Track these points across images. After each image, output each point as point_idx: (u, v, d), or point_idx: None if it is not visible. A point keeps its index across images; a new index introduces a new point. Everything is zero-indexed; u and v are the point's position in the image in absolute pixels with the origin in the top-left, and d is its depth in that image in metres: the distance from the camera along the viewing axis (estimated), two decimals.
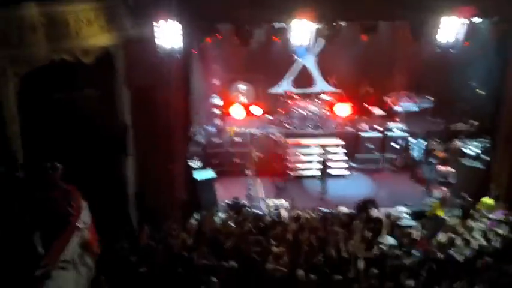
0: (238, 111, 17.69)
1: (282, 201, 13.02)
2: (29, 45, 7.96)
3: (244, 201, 13.06)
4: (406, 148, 16.12)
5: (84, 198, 8.02)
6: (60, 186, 7.62)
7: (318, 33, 12.64)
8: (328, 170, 14.79)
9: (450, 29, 11.82)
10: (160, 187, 11.59)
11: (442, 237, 10.28)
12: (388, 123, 16.66)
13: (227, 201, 13.16)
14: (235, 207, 12.36)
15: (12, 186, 6.83)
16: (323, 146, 15.56)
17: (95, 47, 9.45)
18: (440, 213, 11.70)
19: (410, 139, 16.01)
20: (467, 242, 9.91)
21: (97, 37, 9.51)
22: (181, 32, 11.12)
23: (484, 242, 9.96)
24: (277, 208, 12.44)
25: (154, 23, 10.78)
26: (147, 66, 10.88)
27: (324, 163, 14.62)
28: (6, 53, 7.64)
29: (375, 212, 11.66)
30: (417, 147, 15.68)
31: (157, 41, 10.86)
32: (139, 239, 9.38)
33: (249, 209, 12.41)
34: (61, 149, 8.57)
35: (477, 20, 11.92)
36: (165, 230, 9.87)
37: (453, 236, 10.16)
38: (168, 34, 10.91)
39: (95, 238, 8.03)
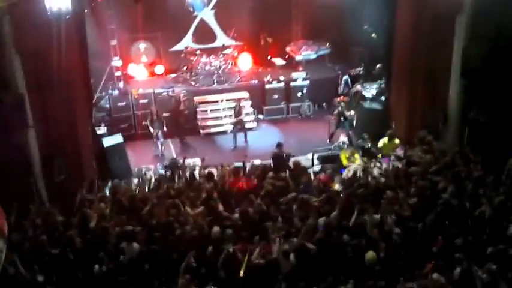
0: (140, 72, 17.20)
1: (195, 160, 12.97)
2: None
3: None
4: (310, 96, 16.57)
5: None
6: None
7: None
8: (244, 122, 15.06)
9: None
10: (68, 158, 11.10)
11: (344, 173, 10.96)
12: (292, 72, 17.00)
13: (165, 163, 12.72)
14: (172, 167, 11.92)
15: None
16: (234, 100, 15.65)
17: None
18: (344, 159, 12.37)
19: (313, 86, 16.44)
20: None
21: None
22: None
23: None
24: (191, 168, 12.38)
25: None
26: (36, 29, 10.17)
27: (237, 115, 14.82)
28: None
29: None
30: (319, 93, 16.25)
31: (45, 2, 10.12)
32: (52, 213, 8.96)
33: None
34: None
35: None
36: (77, 202, 9.51)
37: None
38: None
39: (2, 218, 7.59)
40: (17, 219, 8.49)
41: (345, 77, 16.64)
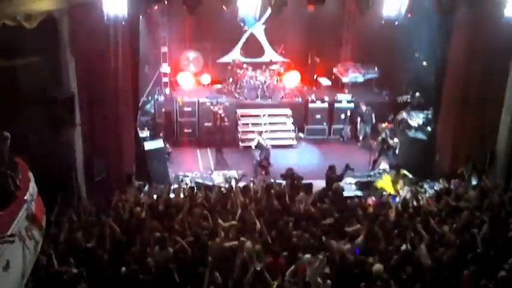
0: (186, 80, 17.44)
1: (233, 172, 13.01)
2: None
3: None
4: (353, 119, 16.43)
5: (31, 170, 7.73)
6: (7, 158, 7.29)
7: (265, 2, 12.55)
8: (273, 140, 14.94)
9: (394, 2, 12.05)
10: (109, 158, 11.35)
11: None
12: (336, 94, 16.88)
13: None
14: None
15: None
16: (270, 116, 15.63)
17: (38, 11, 9.01)
18: (389, 189, 12.10)
19: (359, 110, 16.30)
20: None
21: (40, 2, 9.05)
22: None
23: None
24: (228, 179, 12.45)
25: None
26: (92, 33, 10.52)
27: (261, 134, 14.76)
28: None
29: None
30: (364, 118, 16.01)
31: (103, 7, 10.46)
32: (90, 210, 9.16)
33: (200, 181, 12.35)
34: (4, 118, 8.20)
35: None
36: (115, 202, 9.68)
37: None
38: (114, 0, 10.51)
39: (42, 211, 7.79)
40: (58, 213, 8.69)
41: (363, 107, 16.13)
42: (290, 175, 11.21)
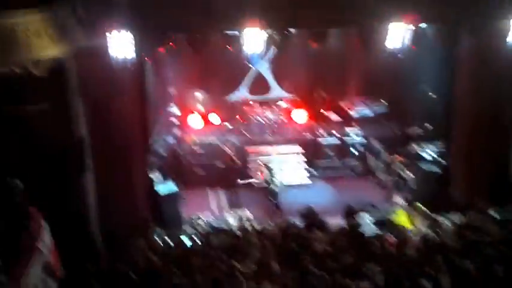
0: (196, 121, 17.42)
1: (246, 213, 12.80)
2: None
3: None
4: (364, 154, 16.30)
5: (44, 219, 7.60)
6: (20, 207, 7.18)
7: (270, 40, 12.64)
8: (286, 178, 14.72)
9: (397, 35, 12.10)
10: (122, 203, 11.19)
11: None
12: (346, 128, 16.79)
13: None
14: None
15: None
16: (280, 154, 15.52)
17: (46, 58, 9.02)
18: (406, 224, 11.83)
19: (369, 144, 16.17)
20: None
21: (48, 48, 9.08)
22: (133, 41, 10.85)
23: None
24: (241, 220, 12.23)
25: (106, 33, 10.44)
26: (100, 77, 10.51)
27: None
28: None
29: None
30: (375, 152, 15.86)
31: (110, 51, 10.52)
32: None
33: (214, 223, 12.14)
34: (15, 166, 8.14)
35: (423, 25, 12.21)
36: (130, 249, 9.47)
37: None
38: (120, 44, 10.63)
39: (58, 261, 7.62)
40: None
41: (374, 141, 16.03)
42: (307, 214, 11.01)
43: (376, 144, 15.92)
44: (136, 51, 11.00)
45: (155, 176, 13.54)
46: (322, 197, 13.60)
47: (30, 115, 9.34)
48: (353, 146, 16.36)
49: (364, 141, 16.36)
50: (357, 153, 16.34)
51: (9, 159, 8.57)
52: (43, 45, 8.95)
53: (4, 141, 8.80)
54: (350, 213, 11.22)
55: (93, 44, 10.26)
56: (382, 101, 17.38)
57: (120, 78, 11.05)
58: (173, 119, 16.55)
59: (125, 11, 10.56)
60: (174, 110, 16.62)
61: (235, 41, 12.27)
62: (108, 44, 10.49)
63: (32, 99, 9.41)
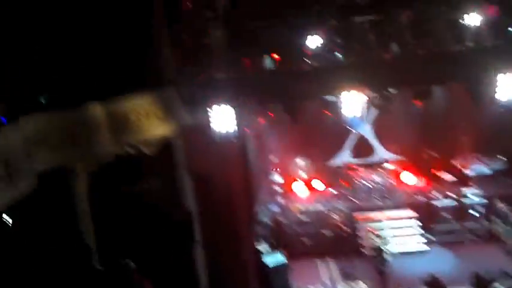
0: (300, 188, 17.17)
1: (361, 285, 12.10)
2: (95, 143, 8.49)
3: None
4: (487, 216, 14.98)
5: None
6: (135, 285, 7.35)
7: (370, 102, 12.35)
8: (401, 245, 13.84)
9: (508, 86, 11.28)
10: (232, 276, 11.11)
11: None
12: (462, 188, 15.63)
13: None
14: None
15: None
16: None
17: (155, 138, 9.62)
18: None
19: (493, 205, 14.88)
20: None
21: (156, 128, 9.67)
22: (234, 115, 11.13)
23: None
24: None
25: (208, 109, 10.85)
26: (205, 152, 10.84)
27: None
28: (75, 152, 8.12)
29: None
30: (501, 214, 14.50)
31: (213, 126, 10.88)
32: None
33: None
34: (130, 242, 8.49)
35: None
36: None
37: None
38: (222, 118, 10.90)
39: None
40: None
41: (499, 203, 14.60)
42: (432, 282, 10.17)
43: (502, 205, 14.54)
44: (237, 124, 11.24)
45: (263, 247, 13.38)
46: (443, 264, 12.45)
47: (144, 193, 9.81)
48: (472, 207, 15.08)
49: (485, 201, 15.06)
50: (477, 215, 15.02)
51: (124, 238, 8.92)
52: (152, 125, 9.55)
53: (123, 218, 9.24)
54: (481, 283, 10.12)
55: (197, 121, 10.71)
56: (499, 156, 16.08)
57: (224, 151, 11.29)
58: (276, 187, 16.50)
59: (225, 87, 10.97)
60: (277, 178, 16.60)
61: (334, 106, 12.18)
62: (211, 120, 10.87)
63: (144, 177, 9.91)
